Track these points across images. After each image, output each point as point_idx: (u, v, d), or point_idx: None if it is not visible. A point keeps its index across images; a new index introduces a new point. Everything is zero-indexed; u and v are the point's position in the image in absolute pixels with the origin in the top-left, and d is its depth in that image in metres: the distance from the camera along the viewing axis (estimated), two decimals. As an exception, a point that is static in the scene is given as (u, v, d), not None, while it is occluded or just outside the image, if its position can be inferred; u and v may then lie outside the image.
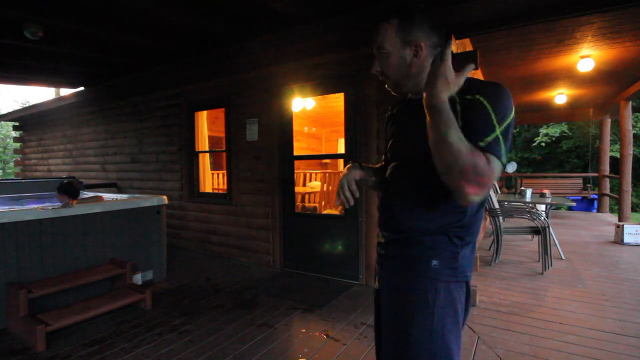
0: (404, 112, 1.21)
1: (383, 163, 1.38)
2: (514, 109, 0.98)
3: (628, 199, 6.69)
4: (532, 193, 5.38)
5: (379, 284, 1.19)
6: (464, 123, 0.95)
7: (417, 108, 1.06)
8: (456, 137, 0.88)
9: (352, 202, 1.23)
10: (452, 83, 0.90)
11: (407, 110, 1.19)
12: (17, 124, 8.79)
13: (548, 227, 4.07)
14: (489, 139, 0.92)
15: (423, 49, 1.08)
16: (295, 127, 4.16)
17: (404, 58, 1.09)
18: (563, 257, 4.43)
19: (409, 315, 1.04)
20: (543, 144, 14.16)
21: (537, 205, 5.12)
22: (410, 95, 1.17)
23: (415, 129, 1.08)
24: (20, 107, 9.37)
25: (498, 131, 0.93)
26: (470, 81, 1.01)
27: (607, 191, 8.42)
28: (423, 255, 1.05)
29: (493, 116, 0.94)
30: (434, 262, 1.04)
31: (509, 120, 0.95)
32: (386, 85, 1.16)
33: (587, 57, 4.50)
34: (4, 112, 16.67)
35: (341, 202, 1.22)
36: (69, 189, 3.23)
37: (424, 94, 0.91)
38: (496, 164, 0.91)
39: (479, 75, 5.13)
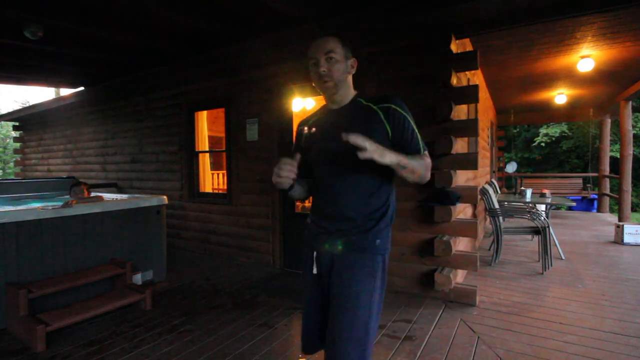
0: (326, 121, 1.43)
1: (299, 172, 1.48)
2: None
3: (628, 199, 6.70)
4: (532, 193, 5.38)
5: (317, 269, 1.40)
6: (394, 131, 1.30)
7: (340, 114, 1.39)
8: (416, 162, 1.27)
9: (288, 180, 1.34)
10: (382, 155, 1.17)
11: (327, 118, 1.43)
12: (17, 124, 8.79)
13: (548, 227, 4.07)
14: (421, 143, 1.34)
15: (355, 65, 1.41)
16: (295, 127, 4.16)
17: (346, 66, 1.37)
18: (563, 257, 4.43)
19: (360, 284, 1.29)
20: (543, 144, 14.16)
21: (537, 205, 5.12)
22: (331, 105, 1.44)
23: (347, 130, 1.22)
24: (20, 107, 9.37)
25: (417, 132, 1.34)
26: (364, 94, 1.41)
27: (607, 191, 8.42)
28: (369, 236, 1.32)
29: (412, 122, 1.33)
30: (378, 241, 1.33)
31: (412, 119, 1.34)
32: (325, 84, 1.35)
33: (587, 57, 4.50)
34: (4, 112, 16.67)
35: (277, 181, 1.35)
36: (80, 182, 3.62)
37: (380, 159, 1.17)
38: (428, 155, 1.36)
39: (479, 75, 5.13)
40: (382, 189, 1.35)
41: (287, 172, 1.28)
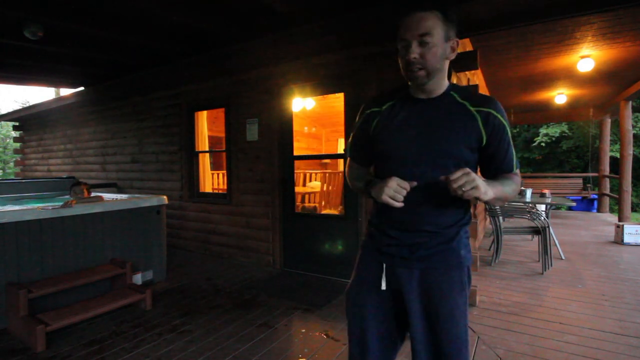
0: (410, 112, 1.19)
1: (355, 165, 1.38)
2: None
3: (628, 199, 6.69)
4: (532, 193, 5.38)
5: (394, 285, 1.21)
6: (491, 140, 1.13)
7: (427, 106, 1.17)
8: (509, 189, 1.15)
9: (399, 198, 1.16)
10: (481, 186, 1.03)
11: (412, 108, 1.19)
12: (17, 124, 8.78)
13: (548, 227, 4.07)
14: (515, 160, 1.18)
15: (456, 48, 1.15)
16: (295, 127, 4.16)
17: (445, 51, 1.12)
18: (563, 257, 4.43)
19: (453, 301, 1.15)
20: (543, 144, 14.15)
21: (537, 205, 5.12)
22: (417, 93, 1.19)
23: (433, 127, 1.14)
24: (20, 107, 9.37)
25: (512, 144, 1.18)
26: (469, 90, 1.23)
27: (607, 191, 8.42)
28: (454, 247, 1.17)
29: (510, 134, 1.16)
30: (463, 252, 1.18)
31: (510, 130, 1.17)
32: (415, 73, 1.11)
33: (587, 57, 4.50)
34: (4, 112, 16.67)
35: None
36: (80, 182, 3.63)
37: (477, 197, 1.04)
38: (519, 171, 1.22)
39: (479, 75, 5.13)
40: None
41: (401, 196, 1.09)
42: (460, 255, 1.17)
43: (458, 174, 0.99)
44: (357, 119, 1.33)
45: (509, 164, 1.17)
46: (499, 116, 1.12)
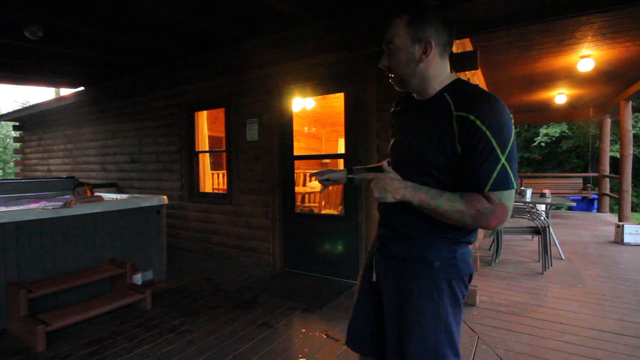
0: (406, 112, 1.23)
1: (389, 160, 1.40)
2: (512, 120, 0.99)
3: (628, 198, 6.69)
4: (532, 193, 5.38)
5: (376, 277, 1.26)
6: (464, 150, 0.98)
7: (420, 109, 1.16)
8: (448, 205, 0.98)
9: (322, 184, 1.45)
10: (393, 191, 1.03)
11: (411, 110, 1.21)
12: (17, 124, 8.79)
13: (548, 227, 4.07)
14: (494, 176, 0.95)
15: (432, 47, 1.06)
16: (295, 127, 4.16)
17: (413, 54, 1.07)
18: (563, 257, 4.43)
19: (419, 309, 1.10)
20: (543, 144, 14.15)
21: (537, 205, 5.12)
22: (416, 95, 1.18)
23: (417, 131, 1.13)
24: (20, 107, 9.37)
25: (503, 159, 0.95)
26: (458, 86, 1.08)
27: (607, 191, 8.42)
28: (425, 256, 1.10)
29: (495, 145, 0.95)
30: (436, 263, 1.09)
31: (512, 141, 0.97)
32: (391, 80, 1.15)
33: (587, 57, 4.50)
34: (4, 112, 16.67)
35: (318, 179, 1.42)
36: (83, 183, 3.62)
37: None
38: (504, 197, 0.96)
39: (479, 75, 5.13)
40: None
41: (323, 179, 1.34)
42: (432, 267, 1.08)
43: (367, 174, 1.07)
44: None
45: (477, 182, 0.96)
46: (478, 122, 0.95)
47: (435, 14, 1.05)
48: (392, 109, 1.31)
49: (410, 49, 1.07)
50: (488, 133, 0.95)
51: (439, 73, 1.10)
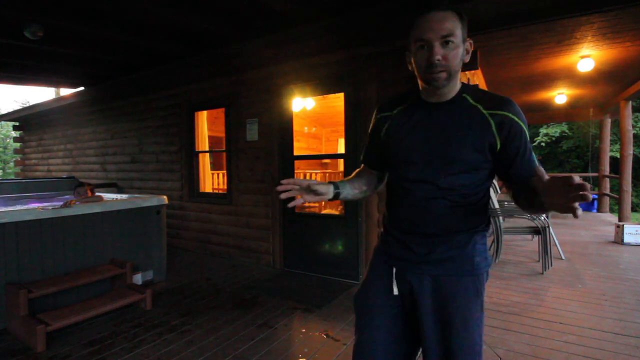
0: (414, 113, 1.17)
1: (362, 167, 1.38)
2: None
3: (628, 198, 6.69)
4: (532, 193, 5.37)
5: (403, 291, 1.18)
6: (506, 145, 1.07)
7: (440, 109, 1.13)
8: None
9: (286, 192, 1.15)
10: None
11: (423, 110, 1.16)
12: (17, 124, 8.78)
13: (548, 227, 4.07)
14: (535, 159, 1.10)
15: (470, 50, 1.11)
16: (295, 127, 4.16)
17: (462, 53, 1.08)
18: (563, 257, 4.43)
19: (467, 309, 1.11)
20: (543, 144, 14.16)
21: (537, 205, 5.11)
22: (428, 97, 1.15)
23: (446, 130, 1.11)
24: (20, 107, 9.37)
25: (530, 146, 1.10)
26: (482, 90, 1.16)
27: (607, 191, 8.42)
28: (467, 253, 1.13)
29: (528, 135, 1.10)
30: (477, 259, 1.13)
31: (529, 132, 1.11)
32: (437, 75, 1.06)
33: (587, 57, 4.50)
34: (4, 112, 16.68)
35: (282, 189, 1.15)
36: (84, 183, 3.61)
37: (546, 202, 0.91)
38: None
39: (479, 75, 5.13)
40: (482, 201, 1.15)
41: (290, 185, 1.11)
42: (474, 262, 1.12)
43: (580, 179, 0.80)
44: (370, 124, 1.33)
45: (531, 171, 1.03)
46: (515, 119, 1.06)
47: (466, 18, 1.08)
48: (386, 113, 1.24)
49: (462, 46, 1.07)
50: (524, 127, 1.08)
51: (459, 77, 1.14)
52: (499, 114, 1.06)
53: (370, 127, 1.31)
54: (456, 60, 1.06)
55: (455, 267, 1.12)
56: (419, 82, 1.15)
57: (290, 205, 1.12)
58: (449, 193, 1.10)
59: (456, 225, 1.12)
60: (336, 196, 1.21)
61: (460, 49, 1.06)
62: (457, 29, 1.04)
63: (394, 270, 1.19)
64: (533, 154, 1.10)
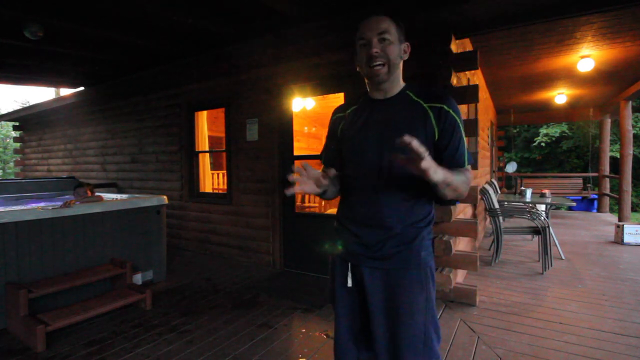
0: (363, 111, 1.29)
1: (322, 168, 1.38)
2: None
3: (628, 199, 6.69)
4: (532, 193, 5.38)
5: (351, 282, 1.28)
6: (441, 136, 1.18)
7: (385, 106, 1.25)
8: (458, 177, 1.12)
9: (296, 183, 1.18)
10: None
11: (371, 108, 1.27)
12: (17, 124, 8.79)
13: (548, 227, 4.07)
14: (466, 154, 1.21)
15: (408, 51, 1.27)
16: (295, 127, 4.16)
17: (400, 50, 1.24)
18: (563, 257, 4.43)
19: (412, 297, 1.20)
20: (543, 144, 14.16)
21: (537, 205, 5.12)
22: (375, 94, 1.27)
23: (393, 124, 1.20)
24: (20, 107, 9.37)
25: (464, 140, 1.22)
26: (414, 86, 1.27)
27: (607, 191, 8.43)
28: (414, 248, 1.21)
29: (462, 129, 1.21)
30: (423, 254, 1.22)
31: (462, 126, 1.23)
32: (377, 68, 1.20)
33: (587, 57, 4.50)
34: (4, 112, 16.68)
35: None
36: (84, 184, 3.60)
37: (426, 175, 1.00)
38: (469, 169, 1.23)
39: (479, 75, 5.14)
40: (428, 194, 1.21)
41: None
42: (420, 257, 1.21)
43: (420, 146, 0.95)
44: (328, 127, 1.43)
45: (459, 159, 1.20)
46: (451, 111, 1.18)
47: (404, 27, 1.27)
48: (340, 114, 1.37)
49: (399, 45, 1.23)
50: (458, 121, 1.19)
51: (401, 75, 1.28)
52: (437, 107, 1.18)
53: (328, 128, 1.43)
54: (393, 55, 1.20)
55: (402, 260, 1.21)
56: (365, 80, 1.29)
57: (287, 192, 1.12)
58: (398, 184, 1.19)
59: (405, 218, 1.21)
60: (323, 193, 1.25)
61: (396, 45, 1.21)
62: (392, 28, 1.21)
63: (349, 264, 1.29)
64: (465, 148, 1.21)
